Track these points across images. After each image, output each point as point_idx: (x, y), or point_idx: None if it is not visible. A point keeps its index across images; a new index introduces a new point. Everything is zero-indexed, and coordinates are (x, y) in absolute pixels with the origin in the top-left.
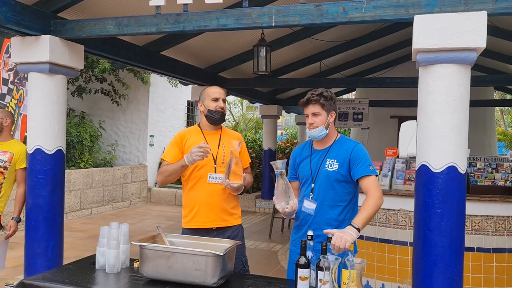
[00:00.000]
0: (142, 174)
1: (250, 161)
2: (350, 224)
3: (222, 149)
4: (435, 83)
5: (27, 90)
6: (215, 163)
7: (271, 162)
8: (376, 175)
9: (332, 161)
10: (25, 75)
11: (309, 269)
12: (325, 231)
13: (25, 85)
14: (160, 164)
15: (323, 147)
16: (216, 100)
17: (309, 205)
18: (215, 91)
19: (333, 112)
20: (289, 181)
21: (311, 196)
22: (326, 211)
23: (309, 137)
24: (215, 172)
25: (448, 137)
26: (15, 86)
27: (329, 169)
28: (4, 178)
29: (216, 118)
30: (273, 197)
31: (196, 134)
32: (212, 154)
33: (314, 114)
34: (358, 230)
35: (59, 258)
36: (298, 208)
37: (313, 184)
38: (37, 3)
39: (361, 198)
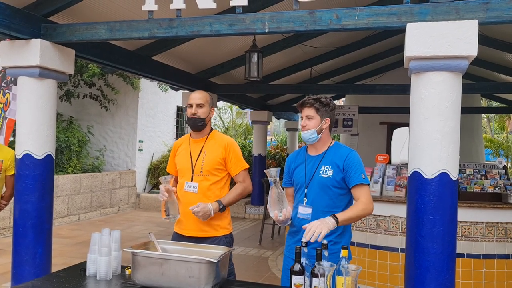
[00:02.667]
0: (130, 179)
1: (246, 167)
2: (331, 215)
3: (202, 157)
4: (427, 90)
5: (14, 94)
6: (192, 172)
7: (265, 170)
8: (368, 184)
9: (327, 167)
10: (12, 79)
11: (303, 276)
12: (303, 226)
13: (12, 89)
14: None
15: (317, 153)
16: (190, 106)
17: (305, 210)
18: (191, 96)
19: (327, 118)
20: (285, 188)
21: (305, 202)
22: (321, 217)
23: (302, 141)
24: (192, 181)
25: (440, 144)
26: (1, 90)
27: (324, 176)
28: None
29: (190, 125)
30: (267, 205)
31: (185, 142)
32: (191, 162)
33: (308, 117)
34: (337, 222)
35: (47, 265)
36: (294, 214)
37: (306, 190)
38: (27, 7)
39: None
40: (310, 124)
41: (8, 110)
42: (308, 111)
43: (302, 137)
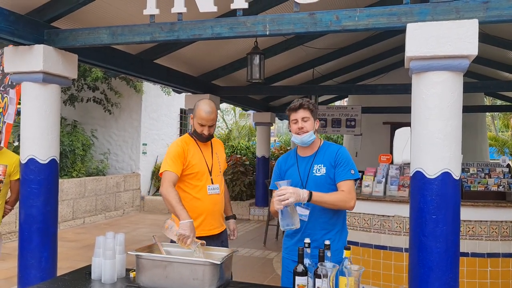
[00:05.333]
0: (135, 182)
1: (226, 166)
2: (308, 191)
3: (216, 158)
4: (429, 90)
5: (11, 97)
6: (210, 175)
7: (275, 182)
8: (357, 179)
9: (319, 166)
10: (9, 83)
11: (306, 276)
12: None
13: (9, 93)
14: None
15: (309, 154)
16: (202, 125)
17: (303, 212)
18: (203, 117)
19: (317, 120)
20: (273, 190)
21: (303, 203)
22: (319, 216)
23: (294, 145)
24: (212, 183)
25: (442, 143)
26: (0, 94)
27: (317, 174)
28: (0, 191)
29: (200, 140)
30: (278, 219)
31: (193, 145)
32: (207, 165)
33: (304, 119)
34: (310, 198)
35: (53, 269)
36: None
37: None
38: (30, 13)
39: None
40: (308, 126)
41: (6, 114)
42: (304, 113)
43: (299, 141)
